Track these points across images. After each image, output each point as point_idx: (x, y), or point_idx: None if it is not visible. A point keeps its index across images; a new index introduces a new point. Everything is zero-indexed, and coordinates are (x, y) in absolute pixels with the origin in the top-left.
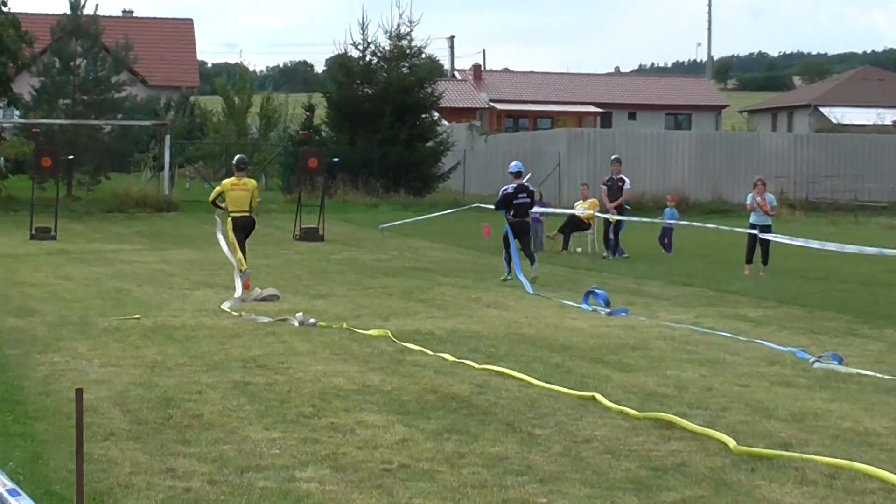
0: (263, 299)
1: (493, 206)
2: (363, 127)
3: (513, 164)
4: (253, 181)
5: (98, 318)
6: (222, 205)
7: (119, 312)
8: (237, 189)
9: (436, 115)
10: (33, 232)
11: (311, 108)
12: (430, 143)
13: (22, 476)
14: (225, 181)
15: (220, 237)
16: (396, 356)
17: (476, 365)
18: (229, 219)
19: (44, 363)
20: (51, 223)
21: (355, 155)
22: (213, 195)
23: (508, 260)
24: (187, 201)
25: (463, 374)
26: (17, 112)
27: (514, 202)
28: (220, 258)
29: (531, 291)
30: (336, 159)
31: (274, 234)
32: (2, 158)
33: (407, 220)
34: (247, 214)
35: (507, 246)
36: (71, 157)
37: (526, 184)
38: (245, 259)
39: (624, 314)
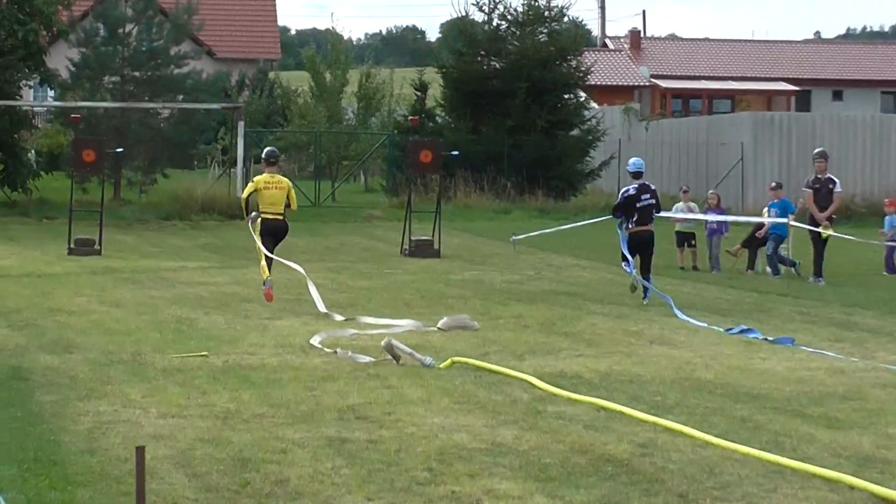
0: (459, 326)
1: (611, 214)
2: (489, 111)
3: (632, 160)
4: (287, 180)
5: (154, 355)
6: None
7: (181, 348)
8: (271, 188)
9: (582, 95)
10: (72, 245)
11: (422, 87)
12: (574, 132)
13: None
14: (258, 178)
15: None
16: (535, 406)
17: (640, 415)
18: (259, 220)
19: (87, 413)
20: (94, 233)
21: (479, 146)
22: (246, 192)
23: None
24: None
25: (621, 430)
26: (51, 93)
27: (637, 205)
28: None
29: (685, 319)
30: (455, 153)
31: (377, 249)
32: (32, 151)
33: (546, 231)
34: (280, 217)
35: (628, 259)
36: (119, 149)
37: (648, 183)
38: (269, 269)
39: (790, 344)
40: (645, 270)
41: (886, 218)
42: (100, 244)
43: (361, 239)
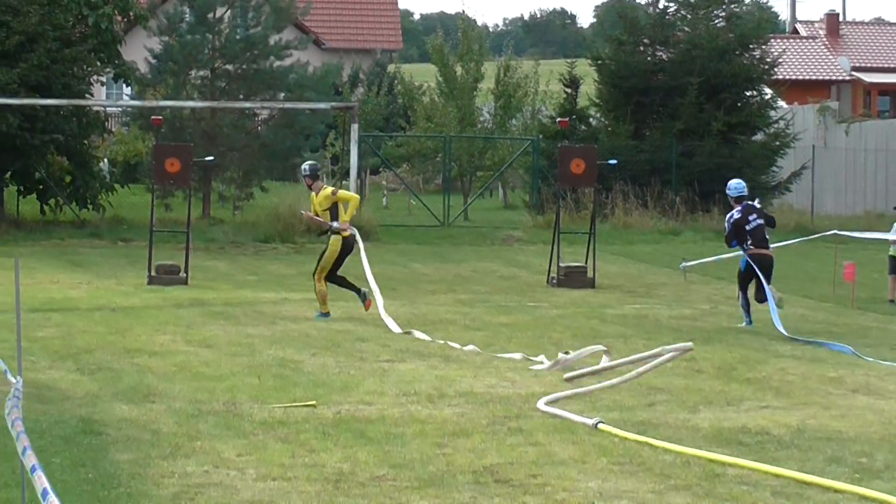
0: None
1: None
2: (654, 111)
3: (732, 184)
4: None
5: (252, 404)
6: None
7: (284, 397)
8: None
9: (768, 91)
10: (153, 272)
11: (573, 83)
12: (758, 136)
13: None
14: (342, 192)
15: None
16: (712, 468)
17: (840, 486)
18: (339, 238)
19: (172, 474)
20: (179, 259)
21: (642, 154)
22: (329, 205)
23: (747, 307)
24: (385, 226)
25: (817, 499)
26: (127, 90)
27: (747, 228)
28: (437, 312)
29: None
30: (613, 161)
31: (518, 277)
32: (105, 161)
33: (724, 256)
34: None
35: (743, 288)
36: (209, 157)
37: (753, 203)
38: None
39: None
40: (760, 290)
41: None
42: (186, 271)
43: (499, 265)
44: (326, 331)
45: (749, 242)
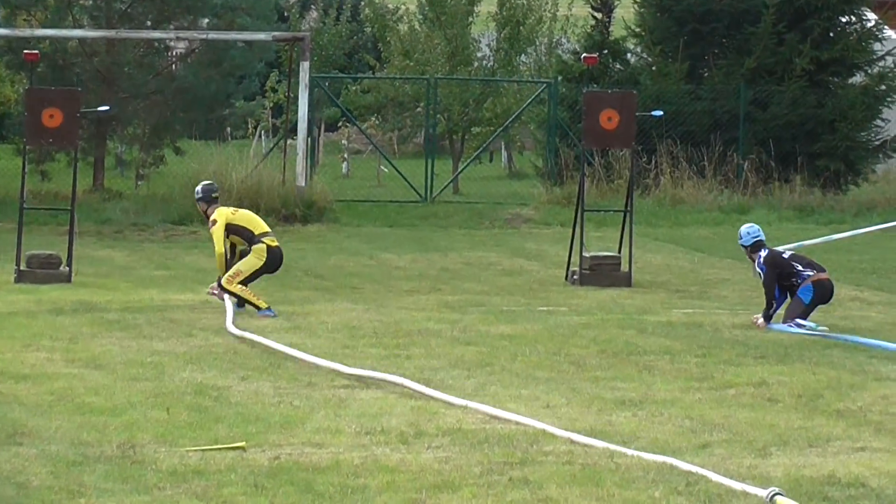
0: None
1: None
2: (716, 44)
3: (744, 229)
4: None
5: (158, 447)
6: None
7: (203, 436)
8: (242, 210)
9: (871, 16)
10: (23, 266)
11: (604, 6)
12: (857, 78)
13: None
14: (221, 210)
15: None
16: None
17: None
18: (262, 248)
19: None
20: (60, 247)
21: (699, 103)
22: (219, 239)
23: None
24: (345, 202)
25: None
26: None
27: (785, 257)
28: (415, 321)
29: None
30: (658, 113)
31: (527, 271)
32: None
33: (809, 242)
34: (277, 241)
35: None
36: (104, 107)
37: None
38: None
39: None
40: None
41: None
42: (69, 264)
43: (501, 255)
44: (262, 346)
45: (803, 270)
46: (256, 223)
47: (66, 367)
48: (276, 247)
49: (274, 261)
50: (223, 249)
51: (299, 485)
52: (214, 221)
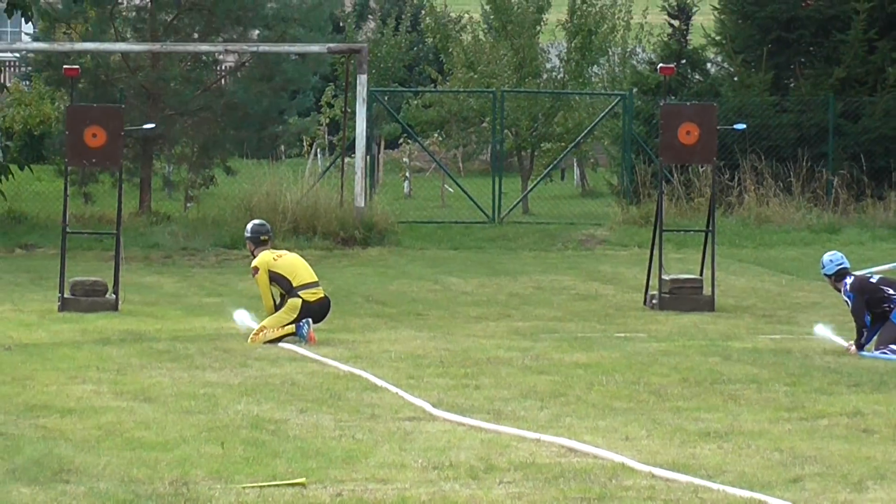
0: None
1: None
2: (800, 54)
3: (826, 258)
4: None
5: (213, 484)
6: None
7: (260, 472)
8: (287, 255)
9: None
10: (67, 293)
11: (682, 13)
12: None
13: None
14: (264, 255)
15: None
16: None
17: None
18: (296, 303)
19: None
20: (105, 273)
21: (785, 116)
22: (267, 293)
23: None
24: (407, 223)
25: None
26: (28, 29)
27: (872, 281)
28: (484, 348)
29: None
30: (741, 126)
31: (602, 296)
32: None
33: None
34: (322, 294)
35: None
36: (149, 125)
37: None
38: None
39: None
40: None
41: None
42: (115, 291)
43: (575, 279)
44: (321, 376)
45: (894, 294)
46: (298, 272)
47: (114, 400)
48: (318, 300)
49: (313, 314)
50: (271, 303)
51: None
52: (256, 269)
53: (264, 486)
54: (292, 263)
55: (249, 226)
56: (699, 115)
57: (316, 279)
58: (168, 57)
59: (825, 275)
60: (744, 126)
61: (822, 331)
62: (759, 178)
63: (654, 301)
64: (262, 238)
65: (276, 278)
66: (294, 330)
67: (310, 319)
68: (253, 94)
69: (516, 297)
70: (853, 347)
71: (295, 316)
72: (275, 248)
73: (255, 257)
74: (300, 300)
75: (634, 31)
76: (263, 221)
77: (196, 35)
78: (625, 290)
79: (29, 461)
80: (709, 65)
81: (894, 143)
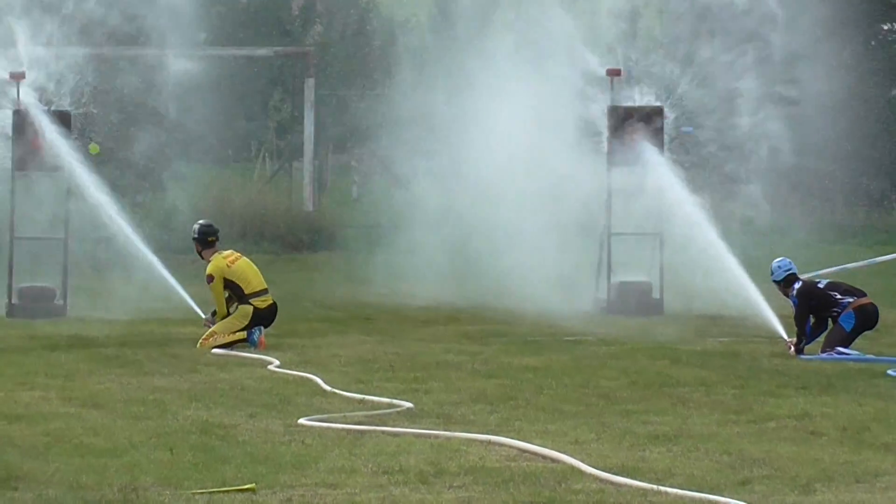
0: None
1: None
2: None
3: (774, 264)
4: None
5: (162, 490)
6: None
7: (209, 478)
8: (239, 261)
9: None
10: (14, 298)
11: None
12: None
13: None
14: (217, 260)
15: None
16: None
17: None
18: (247, 311)
19: None
20: (52, 279)
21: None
22: (221, 302)
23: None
24: (355, 228)
25: None
26: None
27: (820, 286)
28: (433, 353)
29: None
30: (689, 129)
31: (549, 299)
32: None
33: (852, 265)
34: (271, 300)
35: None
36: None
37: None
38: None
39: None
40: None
41: None
42: (64, 297)
43: (522, 281)
44: (270, 381)
45: (842, 298)
46: (249, 280)
47: (62, 407)
48: (268, 307)
49: (262, 320)
50: (225, 310)
51: None
52: (211, 277)
53: (214, 492)
54: (244, 271)
55: (196, 227)
56: (647, 116)
57: (265, 286)
58: (112, 60)
59: (774, 281)
60: (691, 129)
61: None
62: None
63: (603, 304)
64: (209, 239)
65: (229, 285)
66: (245, 336)
67: (261, 326)
68: (199, 99)
69: (465, 300)
70: (793, 349)
71: (246, 322)
72: (220, 249)
73: (203, 259)
74: (251, 307)
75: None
76: (210, 222)
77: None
78: (572, 293)
79: None
80: (655, 66)
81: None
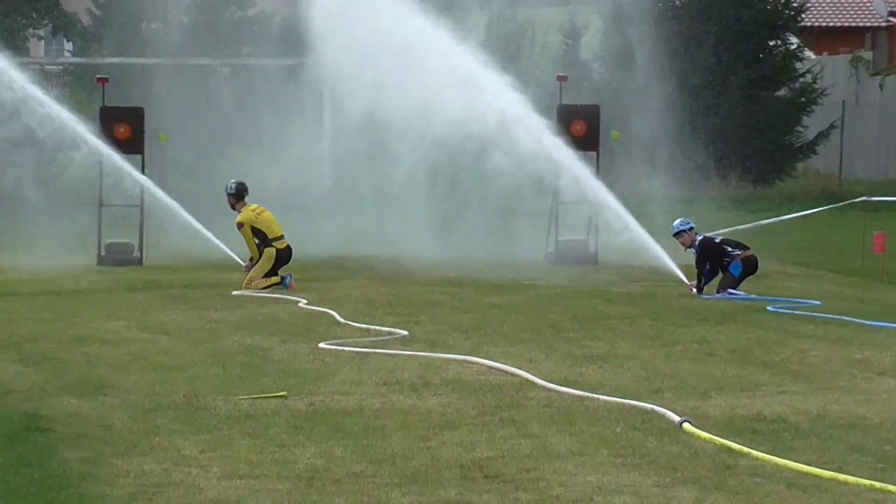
0: None
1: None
2: (668, 65)
3: (676, 222)
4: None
5: (216, 397)
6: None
7: (252, 388)
8: (265, 213)
9: (794, 41)
10: (103, 251)
11: (573, 34)
12: (782, 92)
13: None
14: (247, 212)
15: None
16: (723, 459)
17: (860, 482)
18: (271, 253)
19: (127, 473)
20: (132, 236)
21: (654, 115)
22: (251, 245)
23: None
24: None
25: (837, 491)
26: (68, 46)
27: (717, 240)
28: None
29: None
30: (614, 133)
31: (512, 252)
32: None
33: (742, 227)
34: (286, 244)
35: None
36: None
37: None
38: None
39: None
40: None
41: None
42: (140, 250)
43: (491, 239)
44: (299, 315)
45: (732, 250)
46: (272, 228)
47: (140, 334)
48: (285, 248)
49: (283, 260)
50: (255, 249)
51: (330, 425)
52: (241, 224)
53: (255, 398)
54: (268, 220)
55: (233, 183)
56: (587, 114)
57: (282, 233)
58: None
59: (676, 233)
60: (616, 133)
61: None
62: (633, 163)
63: (551, 256)
64: (243, 194)
65: (256, 232)
66: (279, 280)
67: (292, 273)
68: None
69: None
70: (694, 289)
71: (272, 263)
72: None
73: (235, 210)
74: (274, 249)
75: (539, 47)
76: (243, 181)
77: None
78: (529, 248)
79: (76, 379)
80: (595, 74)
81: (733, 133)
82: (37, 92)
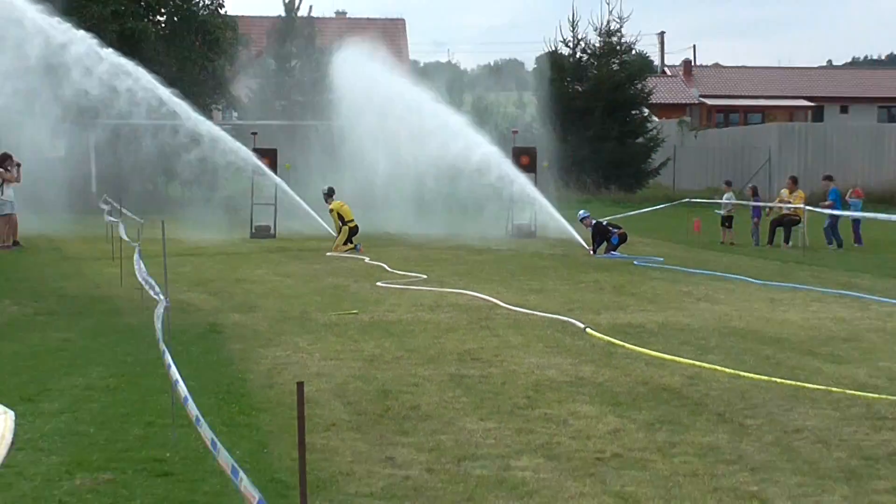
0: None
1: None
2: (574, 124)
3: (581, 212)
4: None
5: (317, 313)
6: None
7: (337, 308)
8: (345, 205)
9: (646, 111)
10: (253, 230)
11: (521, 107)
12: (640, 140)
13: (248, 465)
14: (336, 203)
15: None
16: (608, 349)
17: (685, 361)
18: (346, 230)
19: (266, 357)
20: (270, 221)
21: (567, 152)
22: (336, 219)
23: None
24: None
25: (673, 366)
26: (235, 114)
27: (604, 224)
28: (429, 253)
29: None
30: (545, 163)
31: (487, 232)
32: None
33: (618, 216)
34: (356, 223)
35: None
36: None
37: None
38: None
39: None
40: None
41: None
42: (274, 230)
43: (474, 224)
44: (364, 266)
45: (613, 229)
46: (348, 214)
47: (273, 277)
48: (355, 226)
49: (354, 233)
50: (339, 225)
51: (383, 329)
52: (332, 210)
53: (340, 314)
54: (346, 209)
55: (327, 188)
56: (529, 151)
57: (353, 217)
58: (298, 126)
59: (580, 219)
60: (546, 163)
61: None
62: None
63: (510, 233)
64: (332, 194)
65: (339, 217)
66: (353, 246)
67: (360, 243)
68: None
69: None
70: (592, 252)
71: (347, 235)
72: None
73: (328, 203)
74: (348, 227)
75: (502, 115)
76: (332, 186)
77: (309, 116)
78: (497, 229)
79: (238, 302)
80: (534, 129)
81: (614, 164)
82: (226, 136)
